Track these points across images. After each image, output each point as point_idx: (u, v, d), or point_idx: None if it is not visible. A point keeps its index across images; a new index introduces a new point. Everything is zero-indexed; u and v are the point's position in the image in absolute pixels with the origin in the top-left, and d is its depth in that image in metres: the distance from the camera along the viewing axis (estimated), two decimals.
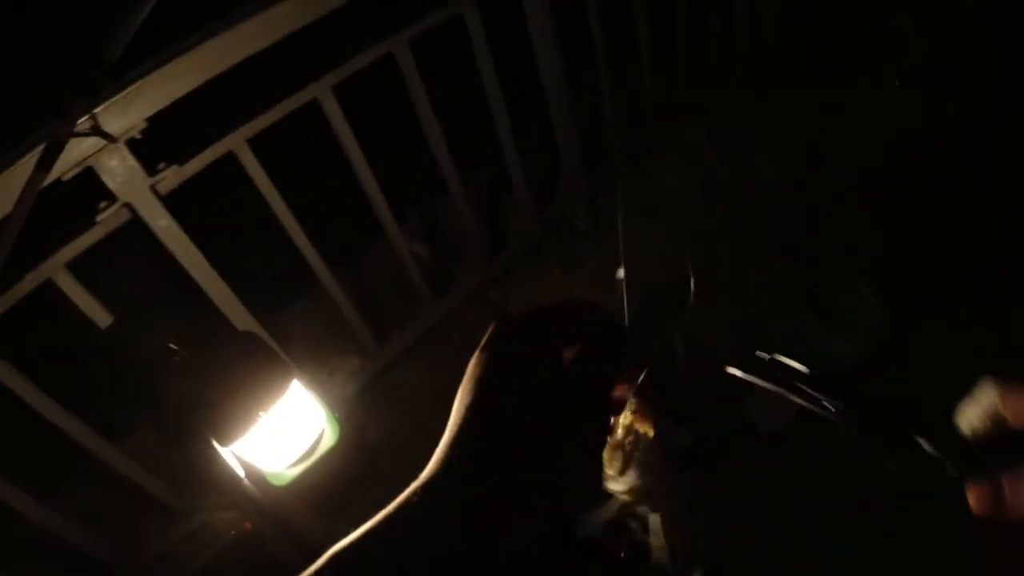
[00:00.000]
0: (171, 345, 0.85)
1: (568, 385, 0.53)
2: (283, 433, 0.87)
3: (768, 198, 2.48)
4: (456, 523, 0.48)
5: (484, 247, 2.25)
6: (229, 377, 0.80)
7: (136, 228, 1.49)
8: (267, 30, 1.48)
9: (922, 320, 2.08)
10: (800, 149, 2.62)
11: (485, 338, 0.56)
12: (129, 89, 1.33)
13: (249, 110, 1.56)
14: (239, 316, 1.72)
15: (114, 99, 1.32)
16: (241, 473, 0.88)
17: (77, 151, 1.32)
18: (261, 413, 0.81)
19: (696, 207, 2.51)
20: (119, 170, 1.40)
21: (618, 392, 0.60)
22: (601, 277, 2.33)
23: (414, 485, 0.50)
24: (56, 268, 1.41)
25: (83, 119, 1.26)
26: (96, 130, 1.29)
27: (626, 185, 2.57)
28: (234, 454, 0.85)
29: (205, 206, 1.77)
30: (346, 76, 1.66)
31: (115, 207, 1.43)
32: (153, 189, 1.46)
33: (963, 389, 0.61)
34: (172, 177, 1.48)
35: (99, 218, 1.42)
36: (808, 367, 1.95)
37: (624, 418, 0.62)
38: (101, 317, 1.49)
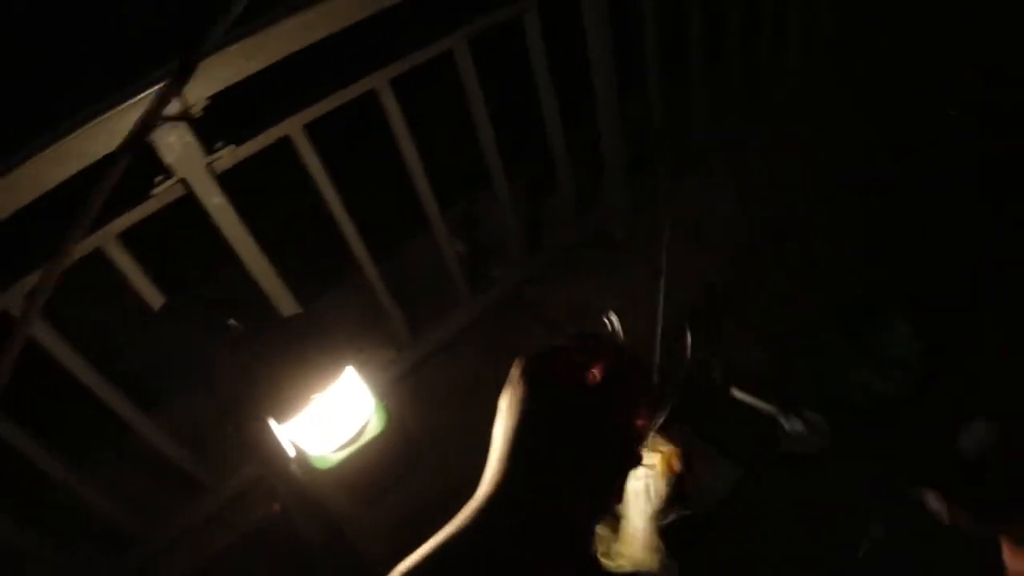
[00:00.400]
0: (231, 320, 0.86)
1: (598, 409, 0.57)
2: (333, 416, 0.88)
3: (808, 223, 2.45)
4: (518, 537, 0.51)
5: (523, 247, 2.25)
6: (287, 356, 0.80)
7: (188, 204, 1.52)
8: (329, 19, 1.49)
9: (958, 353, 2.03)
10: (845, 177, 2.59)
11: (515, 370, 0.60)
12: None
13: (307, 97, 1.57)
14: (283, 299, 1.73)
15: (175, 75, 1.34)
16: (291, 452, 0.88)
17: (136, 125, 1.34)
18: (315, 395, 0.82)
19: (734, 228, 2.50)
20: (177, 146, 1.41)
21: (640, 422, 0.62)
22: (635, 289, 2.32)
23: (475, 504, 0.53)
24: (108, 238, 1.43)
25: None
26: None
27: (662, 204, 2.57)
28: (285, 434, 0.86)
29: (254, 189, 1.79)
30: (404, 70, 1.67)
31: (170, 182, 1.44)
32: (209, 167, 1.47)
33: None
34: (228, 157, 1.49)
35: (154, 192, 1.44)
36: (843, 400, 1.92)
37: (648, 456, 0.65)
38: (149, 292, 1.51)
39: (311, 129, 1.63)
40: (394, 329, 2.05)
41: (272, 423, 0.82)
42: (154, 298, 1.52)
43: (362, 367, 0.94)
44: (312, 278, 2.31)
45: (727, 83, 2.63)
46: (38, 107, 2.19)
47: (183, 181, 1.45)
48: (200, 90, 1.38)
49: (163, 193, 1.44)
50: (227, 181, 1.55)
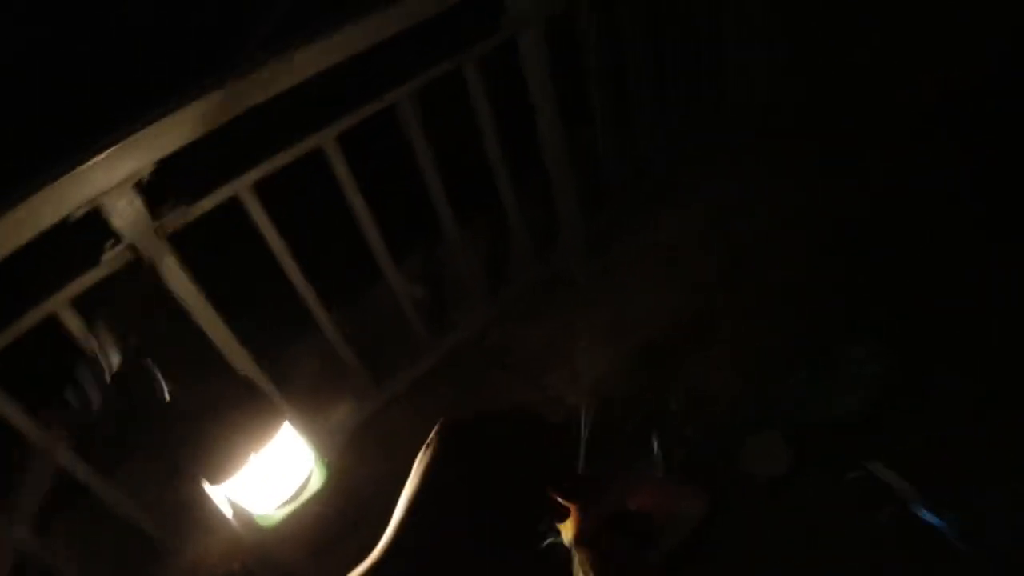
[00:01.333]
0: (166, 385, 0.87)
1: (510, 493, 0.55)
2: (272, 475, 0.89)
3: (767, 249, 2.48)
4: None
5: (483, 290, 2.27)
6: (221, 418, 0.82)
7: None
8: (270, 83, 1.53)
9: (928, 370, 2.05)
10: (800, 200, 2.62)
11: (433, 433, 0.58)
12: (140, 132, 1.38)
13: (255, 156, 1.61)
14: (239, 358, 1.74)
15: (124, 142, 1.37)
16: (230, 514, 0.89)
17: (89, 188, 1.36)
18: (252, 454, 0.83)
19: (695, 258, 2.51)
20: (126, 211, 1.43)
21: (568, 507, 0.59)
22: (596, 329, 2.35)
23: (364, 565, 0.52)
24: (61, 304, 1.44)
25: None
26: None
27: (625, 237, 2.60)
28: (224, 494, 0.87)
29: (209, 245, 1.81)
30: (350, 126, 1.71)
31: (120, 247, 1.46)
32: (158, 231, 1.49)
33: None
34: (177, 219, 1.52)
35: (104, 258, 1.46)
36: (822, 421, 1.92)
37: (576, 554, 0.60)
38: (102, 354, 1.52)
39: (266, 180, 1.66)
40: (355, 379, 2.06)
41: (209, 484, 0.84)
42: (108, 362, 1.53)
43: (310, 422, 0.96)
44: (274, 329, 2.31)
45: (684, 118, 2.68)
46: None
47: (132, 247, 1.47)
48: (148, 154, 1.41)
49: (113, 259, 1.46)
50: (184, 236, 1.58)
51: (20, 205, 1.31)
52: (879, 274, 2.33)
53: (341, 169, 1.74)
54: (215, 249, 1.91)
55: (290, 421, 0.91)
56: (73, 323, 1.45)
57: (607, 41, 2.25)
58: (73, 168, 1.33)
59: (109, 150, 1.35)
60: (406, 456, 0.59)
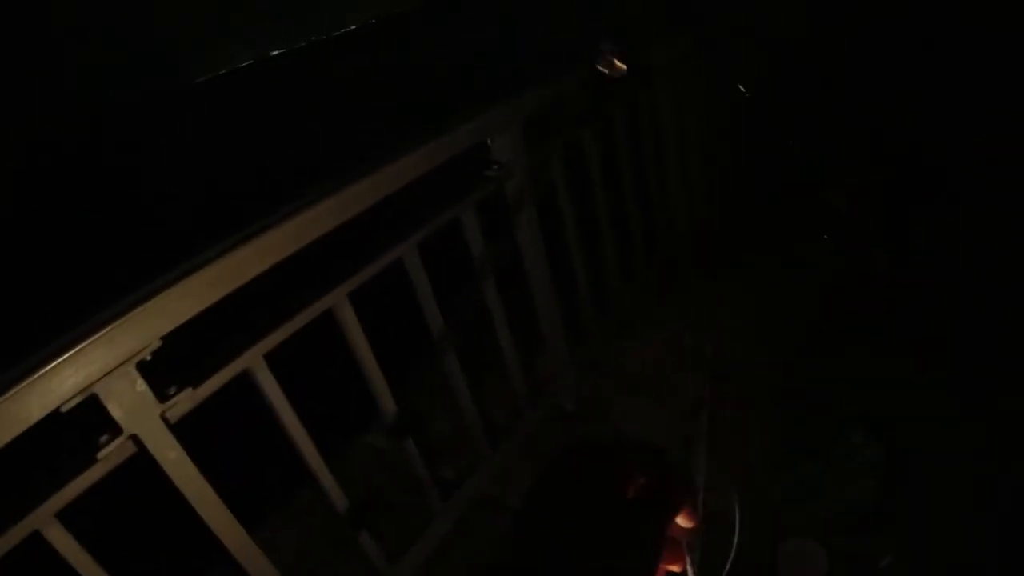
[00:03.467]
0: None
1: (625, 514, 0.51)
2: None
3: (742, 360, 2.53)
4: None
5: (484, 442, 2.12)
6: None
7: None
8: (287, 241, 1.41)
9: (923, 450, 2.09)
10: (759, 311, 2.78)
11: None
12: (146, 304, 1.20)
13: (265, 323, 1.44)
14: (243, 549, 1.47)
15: (127, 316, 1.19)
16: None
17: (82, 374, 1.15)
18: None
19: (674, 380, 2.53)
20: (127, 396, 1.22)
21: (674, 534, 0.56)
22: None
23: None
24: (46, 519, 1.17)
25: None
26: None
27: (608, 365, 2.58)
28: None
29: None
30: (362, 282, 1.58)
31: (120, 440, 1.22)
32: (163, 416, 1.27)
33: None
34: (185, 401, 1.30)
35: (101, 454, 1.21)
36: (829, 515, 1.91)
37: None
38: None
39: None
40: (368, 556, 1.79)
41: None
42: None
43: None
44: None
45: (635, 263, 2.78)
46: None
47: (134, 437, 1.24)
48: (154, 328, 1.22)
49: (112, 454, 1.22)
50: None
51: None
52: (852, 365, 2.43)
53: (354, 328, 1.59)
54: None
55: None
56: (63, 542, 1.18)
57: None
58: (69, 348, 1.12)
59: (111, 325, 1.16)
60: None
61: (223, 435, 2.11)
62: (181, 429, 1.33)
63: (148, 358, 1.24)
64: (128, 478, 1.29)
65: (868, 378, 2.36)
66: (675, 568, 0.57)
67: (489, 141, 1.93)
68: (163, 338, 1.24)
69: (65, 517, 1.19)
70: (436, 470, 2.14)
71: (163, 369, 1.28)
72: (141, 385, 1.23)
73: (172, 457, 1.28)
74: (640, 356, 2.64)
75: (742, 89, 3.34)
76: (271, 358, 1.46)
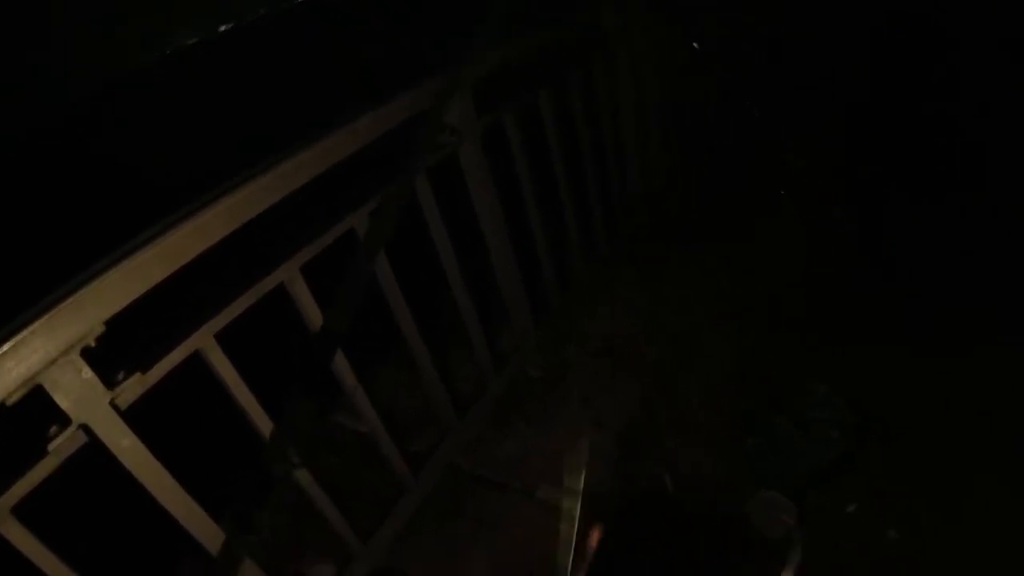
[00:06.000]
0: None
1: None
2: None
3: (707, 323, 2.59)
4: None
5: (451, 414, 2.12)
6: None
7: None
8: (233, 215, 1.38)
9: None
10: (721, 275, 2.83)
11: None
12: (85, 288, 1.17)
13: (215, 301, 1.41)
14: (207, 533, 1.45)
15: (67, 302, 1.15)
16: None
17: (24, 366, 1.12)
18: None
19: (642, 351, 2.55)
20: (73, 385, 1.19)
21: None
22: (559, 420, 2.28)
23: None
24: (2, 515, 1.14)
25: None
26: None
27: (573, 333, 2.60)
28: None
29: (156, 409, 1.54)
30: (313, 255, 1.56)
31: (70, 430, 1.19)
32: (113, 404, 1.25)
33: None
34: (134, 387, 1.27)
35: (51, 446, 1.18)
36: (798, 469, 1.96)
37: None
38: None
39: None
40: (339, 536, 1.79)
41: None
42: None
43: None
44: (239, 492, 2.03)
45: (596, 231, 2.81)
46: None
47: (84, 427, 1.21)
48: (93, 314, 1.19)
49: (62, 445, 1.19)
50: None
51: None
52: (814, 323, 2.51)
53: (308, 303, 1.56)
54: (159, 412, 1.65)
55: None
56: (22, 539, 1.15)
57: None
58: (8, 339, 1.09)
59: (50, 312, 1.13)
60: None
61: (182, 419, 2.07)
62: (134, 416, 1.31)
63: (93, 344, 1.21)
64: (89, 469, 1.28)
65: (830, 335, 2.44)
66: None
67: (440, 106, 1.90)
68: (107, 323, 1.21)
69: (24, 513, 1.17)
70: (406, 445, 2.14)
71: (110, 355, 1.25)
72: (87, 372, 1.20)
73: (125, 445, 1.26)
74: (605, 323, 2.66)
75: (696, 47, 3.34)
76: (224, 338, 1.43)
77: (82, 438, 1.21)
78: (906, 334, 2.41)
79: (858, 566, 1.79)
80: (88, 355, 1.20)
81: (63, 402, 1.18)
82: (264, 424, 1.54)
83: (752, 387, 2.30)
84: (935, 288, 2.54)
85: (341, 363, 1.69)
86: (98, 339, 1.21)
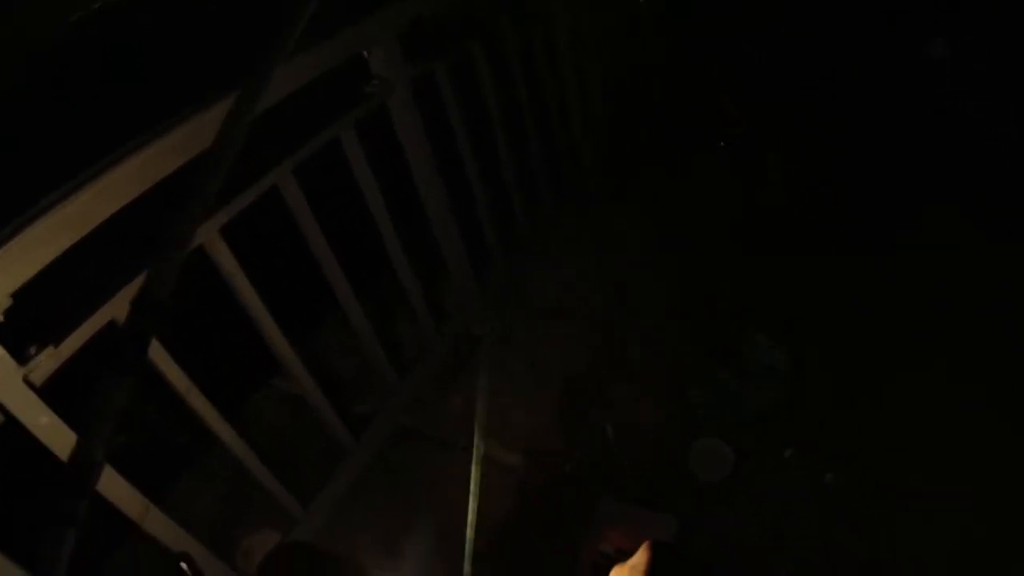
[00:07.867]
0: None
1: None
2: None
3: (651, 275, 2.62)
4: None
5: (393, 375, 2.10)
6: None
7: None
8: (142, 176, 1.31)
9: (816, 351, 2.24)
10: (663, 227, 2.85)
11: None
12: None
13: (129, 266, 1.35)
14: (135, 507, 1.42)
15: None
16: None
17: None
18: None
19: (586, 300, 2.57)
20: None
21: None
22: (514, 384, 2.28)
23: None
24: None
25: None
26: None
27: (518, 290, 2.59)
28: None
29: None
30: (233, 215, 1.50)
31: None
32: (27, 380, 1.19)
33: None
34: (48, 362, 1.22)
35: None
36: (739, 416, 1.99)
37: None
38: None
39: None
40: (278, 504, 1.77)
41: None
42: None
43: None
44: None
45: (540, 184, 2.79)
46: None
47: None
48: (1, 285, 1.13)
49: None
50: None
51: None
52: (753, 272, 2.57)
53: (231, 267, 1.51)
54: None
55: None
56: None
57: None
58: None
59: None
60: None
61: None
62: (54, 391, 1.26)
63: (0, 319, 1.15)
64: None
65: (768, 283, 2.50)
66: None
67: (366, 55, 1.84)
68: (13, 295, 1.16)
69: None
70: (348, 408, 2.12)
71: (21, 329, 1.20)
72: None
73: (44, 422, 1.21)
74: (550, 277, 2.67)
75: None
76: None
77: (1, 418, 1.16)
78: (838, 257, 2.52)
79: (795, 510, 1.85)
80: None
81: None
82: (201, 403, 1.50)
83: (695, 336, 2.35)
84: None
85: (272, 328, 1.65)
86: (6, 313, 1.15)
